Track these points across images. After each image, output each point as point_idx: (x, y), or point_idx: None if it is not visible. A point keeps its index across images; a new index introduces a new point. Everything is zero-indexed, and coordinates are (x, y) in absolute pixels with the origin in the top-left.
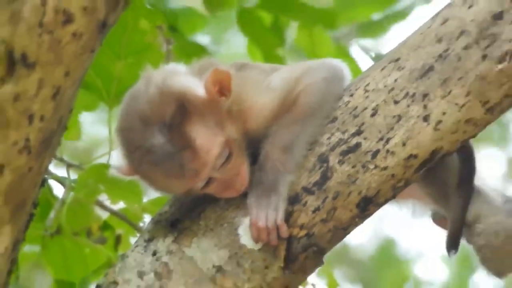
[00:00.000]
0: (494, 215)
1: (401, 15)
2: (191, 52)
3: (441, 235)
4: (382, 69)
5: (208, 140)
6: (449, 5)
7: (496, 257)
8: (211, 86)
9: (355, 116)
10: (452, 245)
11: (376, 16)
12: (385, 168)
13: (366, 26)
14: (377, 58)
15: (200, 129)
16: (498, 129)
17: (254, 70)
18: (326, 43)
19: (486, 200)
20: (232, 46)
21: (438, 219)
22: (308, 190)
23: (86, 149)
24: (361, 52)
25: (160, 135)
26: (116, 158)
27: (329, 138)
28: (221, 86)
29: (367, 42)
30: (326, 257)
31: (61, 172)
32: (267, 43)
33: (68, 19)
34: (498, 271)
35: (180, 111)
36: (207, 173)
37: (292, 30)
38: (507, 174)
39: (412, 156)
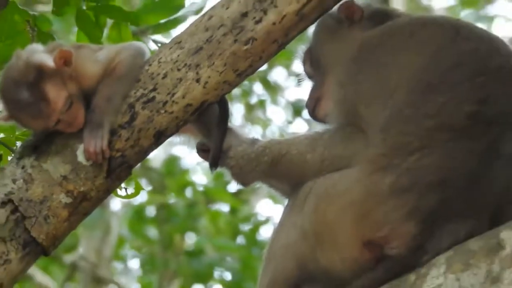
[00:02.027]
0: (240, 145)
1: (179, 20)
2: (48, 37)
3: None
4: (170, 48)
5: (56, 95)
6: (213, 7)
7: (242, 173)
8: (58, 60)
9: (152, 78)
10: (213, 165)
11: (162, 20)
12: (171, 113)
13: (156, 26)
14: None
15: (51, 88)
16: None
17: (87, 49)
18: (128, 36)
19: (235, 134)
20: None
21: (201, 152)
22: (122, 127)
23: None
24: (153, 43)
25: (25, 92)
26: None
27: (135, 93)
28: (65, 60)
29: (157, 36)
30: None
31: None
32: (93, 33)
33: None
34: (243, 182)
35: (38, 76)
36: (56, 116)
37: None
38: (246, 117)
39: (189, 105)
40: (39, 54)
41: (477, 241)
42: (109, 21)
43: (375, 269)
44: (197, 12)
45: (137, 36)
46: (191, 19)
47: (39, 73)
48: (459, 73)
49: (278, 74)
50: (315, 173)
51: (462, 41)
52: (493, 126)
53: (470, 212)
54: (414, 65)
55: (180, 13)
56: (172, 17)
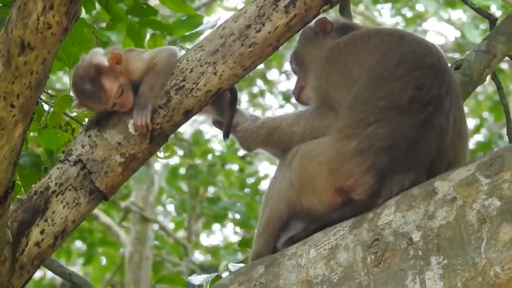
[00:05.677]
0: (245, 122)
1: (199, 33)
2: (106, 44)
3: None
4: (195, 50)
5: (111, 85)
6: (226, 20)
7: (246, 142)
8: (111, 60)
9: (182, 72)
10: (226, 135)
11: (187, 33)
12: (196, 97)
13: (183, 37)
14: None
15: (107, 80)
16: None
17: (135, 51)
18: (161, 44)
19: (241, 114)
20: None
21: (216, 124)
22: (160, 107)
23: (59, 87)
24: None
25: (88, 84)
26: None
27: (170, 82)
28: (116, 60)
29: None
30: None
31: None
32: (138, 41)
33: (49, 26)
34: (248, 149)
35: (97, 72)
36: (112, 100)
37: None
38: (250, 102)
39: (208, 91)
40: (98, 56)
41: (418, 188)
42: (147, 35)
43: (344, 208)
44: (212, 27)
45: (170, 44)
46: (207, 32)
47: (97, 70)
48: (402, 68)
49: (273, 72)
50: (300, 140)
51: (405, 45)
52: (428, 106)
53: (412, 167)
54: (370, 62)
55: (199, 28)
56: (194, 31)
